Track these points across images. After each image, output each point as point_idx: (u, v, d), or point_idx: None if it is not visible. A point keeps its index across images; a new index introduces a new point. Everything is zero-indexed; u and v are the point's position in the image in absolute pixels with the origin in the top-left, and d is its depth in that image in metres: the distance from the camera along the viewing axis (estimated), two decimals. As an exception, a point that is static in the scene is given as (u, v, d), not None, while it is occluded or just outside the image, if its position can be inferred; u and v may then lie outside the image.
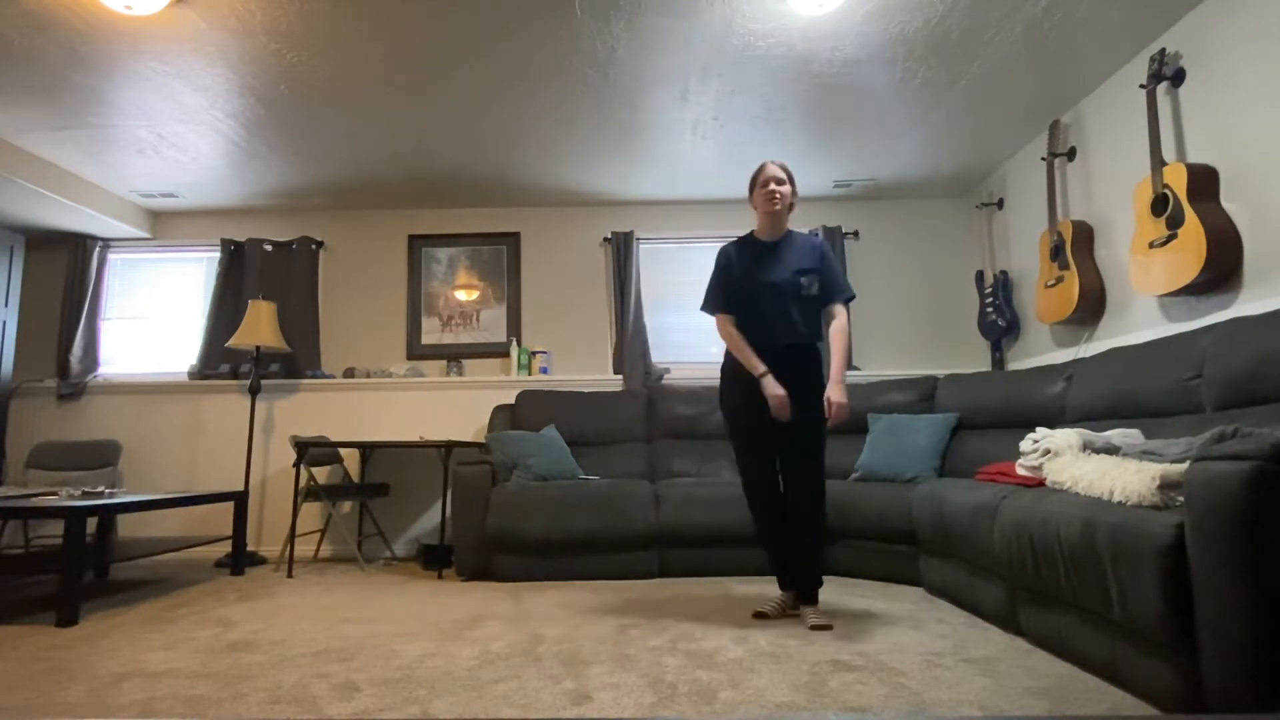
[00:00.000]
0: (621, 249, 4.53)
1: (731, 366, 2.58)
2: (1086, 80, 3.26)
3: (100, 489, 3.35)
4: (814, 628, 2.37)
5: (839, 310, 2.55)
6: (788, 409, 2.41)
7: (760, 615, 2.52)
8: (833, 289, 2.55)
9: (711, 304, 2.62)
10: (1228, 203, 2.59)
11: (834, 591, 2.96)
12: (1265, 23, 2.44)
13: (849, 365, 2.52)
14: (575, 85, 3.23)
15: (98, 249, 4.59)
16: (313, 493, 3.77)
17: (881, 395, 3.94)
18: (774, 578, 2.64)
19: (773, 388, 2.42)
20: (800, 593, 2.53)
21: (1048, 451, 2.32)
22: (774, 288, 2.50)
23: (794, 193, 2.58)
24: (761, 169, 2.57)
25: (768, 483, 2.54)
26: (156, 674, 2.00)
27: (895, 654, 2.07)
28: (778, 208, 2.53)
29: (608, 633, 2.37)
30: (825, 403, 2.45)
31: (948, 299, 4.59)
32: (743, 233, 2.69)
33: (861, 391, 4.01)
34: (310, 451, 3.92)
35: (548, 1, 2.65)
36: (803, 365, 2.51)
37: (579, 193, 4.51)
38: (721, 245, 2.68)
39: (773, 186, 2.52)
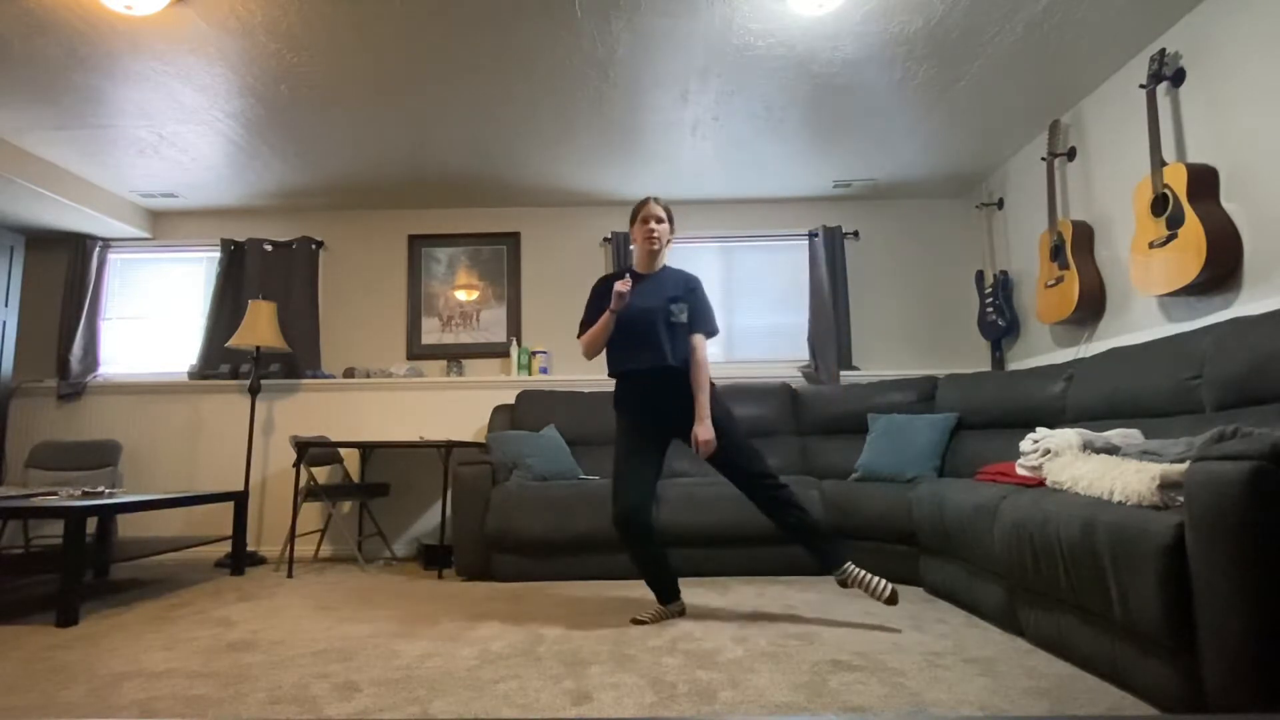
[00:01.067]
0: (621, 249, 4.53)
1: (616, 395, 2.67)
2: (1086, 80, 3.26)
3: (100, 489, 3.35)
4: (889, 599, 2.36)
5: (699, 342, 2.60)
6: (624, 296, 2.49)
7: (639, 621, 2.49)
8: (696, 320, 2.62)
9: (582, 327, 2.70)
10: (1228, 203, 2.59)
11: (834, 591, 2.96)
12: (1265, 23, 2.44)
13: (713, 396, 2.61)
14: (575, 85, 3.23)
15: (98, 249, 4.59)
16: (313, 493, 3.77)
17: (881, 395, 3.94)
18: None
19: (619, 285, 2.48)
20: (829, 563, 2.47)
21: (1048, 451, 2.32)
22: (647, 314, 2.58)
23: (671, 230, 2.70)
24: (644, 205, 2.67)
25: (636, 510, 2.49)
26: (156, 674, 2.00)
27: (895, 654, 2.07)
28: (655, 247, 2.65)
29: (608, 633, 2.37)
30: (692, 439, 2.50)
31: (948, 299, 4.59)
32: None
33: (861, 391, 4.01)
34: (310, 451, 3.92)
35: (548, 1, 2.65)
36: (684, 389, 2.56)
37: (579, 193, 4.51)
38: (599, 277, 2.75)
39: (652, 225, 2.64)
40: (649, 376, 2.57)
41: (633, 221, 2.70)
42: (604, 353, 2.67)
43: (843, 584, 2.47)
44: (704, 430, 2.49)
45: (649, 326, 2.56)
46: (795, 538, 2.50)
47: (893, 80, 3.22)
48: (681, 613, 2.60)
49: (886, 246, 4.65)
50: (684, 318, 2.59)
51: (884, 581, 2.40)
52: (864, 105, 3.45)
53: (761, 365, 4.54)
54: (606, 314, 2.56)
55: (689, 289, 2.65)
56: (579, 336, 2.70)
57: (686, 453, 4.05)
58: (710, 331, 2.65)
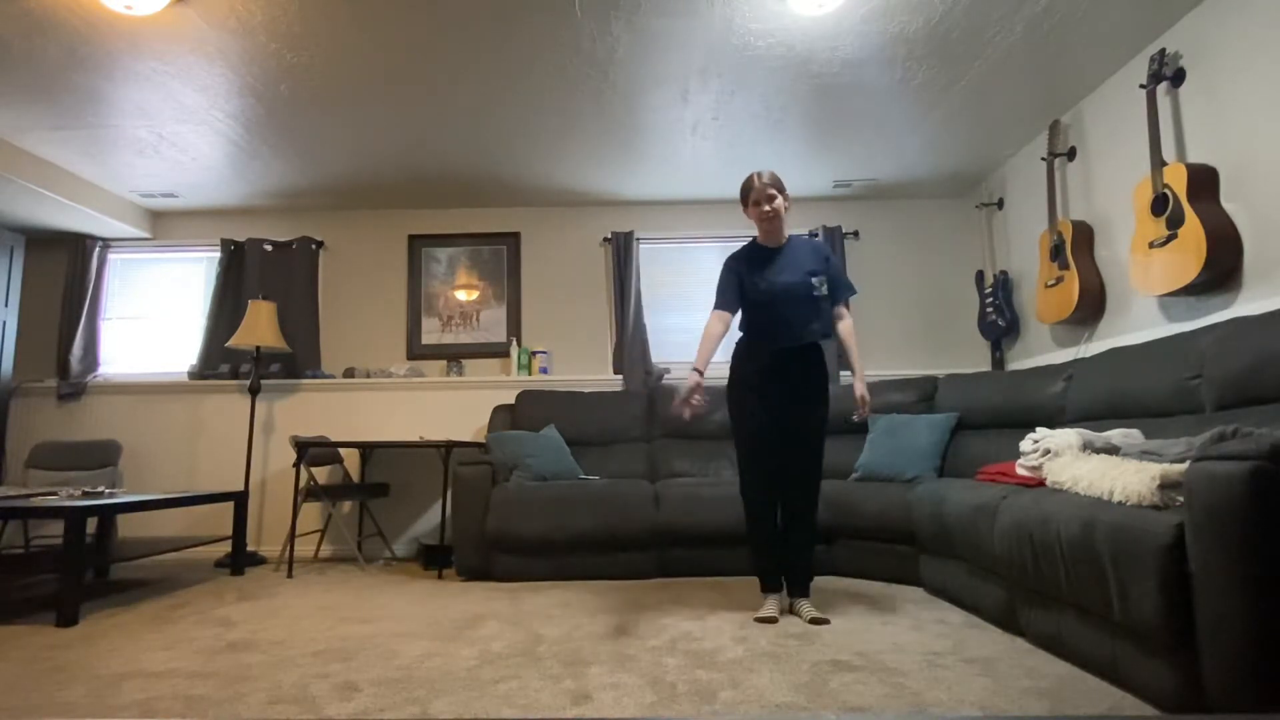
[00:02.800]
0: (621, 249, 4.53)
1: (736, 370, 2.68)
2: (1086, 80, 3.26)
3: (100, 489, 3.35)
4: (813, 621, 2.43)
5: (845, 311, 2.69)
6: (692, 411, 2.49)
7: (768, 620, 2.49)
8: (839, 289, 2.68)
9: (719, 301, 2.67)
10: (1228, 203, 2.59)
11: (834, 591, 2.96)
12: (1265, 23, 2.44)
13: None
14: (575, 85, 3.23)
15: (98, 249, 4.59)
16: (313, 493, 3.77)
17: (881, 395, 3.94)
18: (755, 578, 2.73)
19: (694, 388, 2.48)
20: (794, 588, 2.60)
21: (1048, 451, 2.32)
22: (789, 290, 2.59)
23: (786, 199, 2.64)
24: (750, 184, 2.62)
25: (767, 487, 2.60)
26: (156, 674, 2.00)
27: (895, 654, 2.07)
28: (773, 223, 2.62)
29: (608, 633, 2.37)
30: (859, 400, 2.58)
31: (948, 299, 4.59)
32: (742, 233, 2.72)
33: (861, 391, 4.01)
34: (310, 451, 3.92)
35: (548, 2, 2.65)
36: (813, 363, 2.62)
37: (579, 193, 4.51)
38: (730, 253, 2.75)
39: (764, 206, 2.60)
40: (793, 353, 2.59)
41: (745, 202, 2.65)
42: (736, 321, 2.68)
43: (789, 607, 2.59)
44: (863, 388, 2.57)
45: (794, 303, 2.57)
46: (790, 550, 2.58)
47: (893, 80, 3.22)
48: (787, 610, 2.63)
49: (886, 246, 4.65)
50: (825, 290, 2.60)
51: (822, 618, 2.46)
52: (864, 105, 3.45)
53: (761, 365, 4.53)
54: (694, 384, 2.48)
55: (824, 257, 2.65)
56: (715, 309, 2.64)
57: (686, 452, 4.05)
58: (851, 294, 2.71)
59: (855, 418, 2.64)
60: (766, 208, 2.59)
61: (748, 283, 2.64)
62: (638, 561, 3.35)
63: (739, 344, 2.71)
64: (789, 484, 2.58)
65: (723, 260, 2.75)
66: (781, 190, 2.62)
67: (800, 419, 2.58)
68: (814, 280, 2.59)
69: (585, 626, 2.45)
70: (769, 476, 2.58)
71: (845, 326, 2.67)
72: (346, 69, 3.07)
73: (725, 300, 2.64)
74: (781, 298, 2.58)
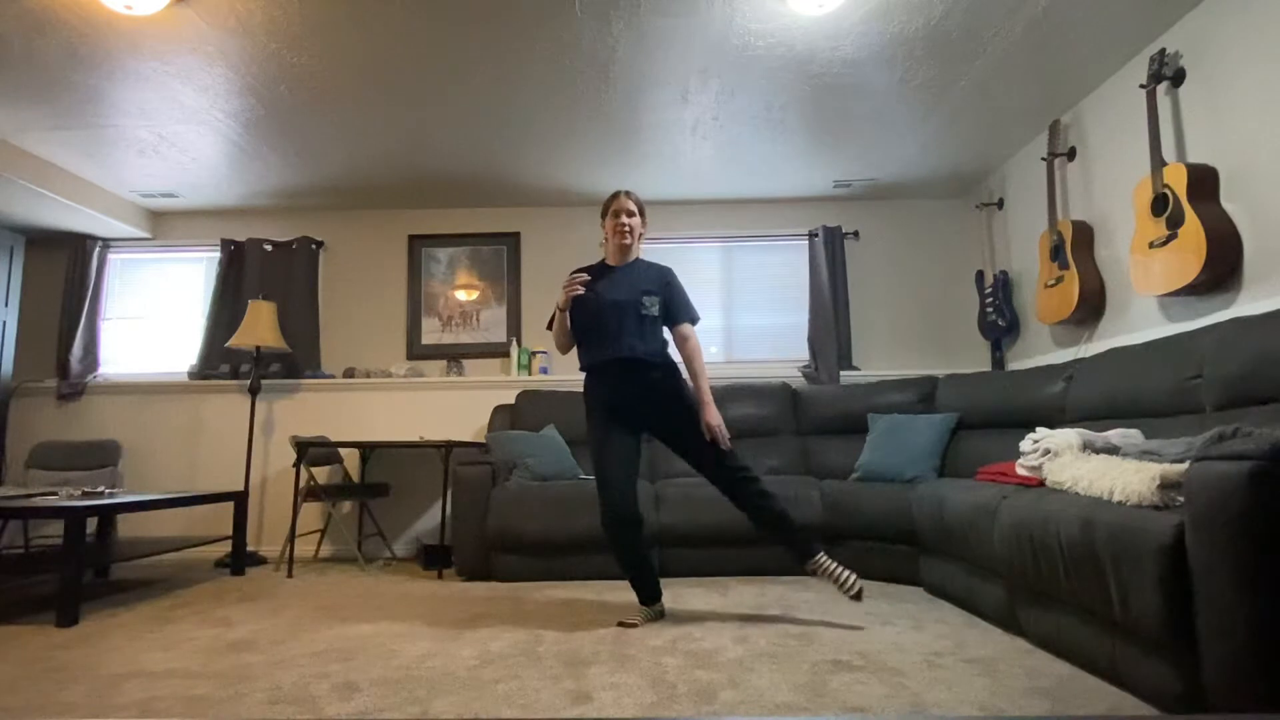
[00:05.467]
0: (621, 249, 4.52)
1: (588, 398, 2.63)
2: (1086, 80, 3.26)
3: (100, 489, 3.35)
4: (856, 594, 2.40)
5: (688, 330, 2.63)
6: (568, 296, 2.52)
7: (627, 625, 2.46)
8: (678, 311, 2.64)
9: (551, 321, 2.71)
10: (1228, 203, 2.59)
11: (833, 591, 2.96)
12: (1265, 23, 2.44)
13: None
14: (575, 85, 3.23)
15: (98, 249, 4.59)
16: (313, 493, 3.77)
17: (881, 395, 3.94)
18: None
19: (568, 284, 2.52)
20: (803, 554, 2.50)
21: (1048, 451, 2.32)
22: (617, 306, 2.57)
23: (643, 224, 2.69)
24: (615, 198, 2.66)
25: (625, 506, 2.47)
26: (156, 674, 2.00)
27: (895, 654, 2.07)
28: (626, 241, 2.64)
29: (608, 633, 2.37)
30: (705, 428, 2.50)
31: (948, 299, 4.59)
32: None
33: (861, 391, 4.01)
34: (310, 451, 3.92)
35: (548, 2, 2.65)
36: (657, 380, 2.57)
37: (579, 193, 4.51)
38: (575, 268, 2.72)
39: (623, 218, 2.64)
40: (617, 368, 2.56)
41: (604, 215, 2.69)
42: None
43: (813, 572, 2.50)
44: (711, 414, 2.50)
45: (618, 319, 2.56)
46: (769, 527, 2.52)
47: (893, 80, 3.22)
48: (661, 615, 2.58)
49: (886, 246, 4.65)
50: (655, 310, 2.59)
51: (853, 577, 2.43)
52: (864, 105, 3.45)
53: (761, 365, 4.53)
54: (558, 311, 2.59)
55: (663, 282, 2.65)
56: (547, 328, 2.70)
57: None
58: (693, 319, 2.66)
59: (724, 446, 2.51)
60: (624, 219, 2.62)
61: (580, 299, 2.59)
62: (638, 561, 3.35)
63: (585, 375, 2.66)
64: (720, 484, 2.54)
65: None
66: (641, 212, 2.67)
67: (670, 426, 2.56)
68: (645, 299, 2.57)
69: (585, 626, 2.45)
70: (621, 495, 2.47)
71: (689, 347, 2.59)
72: (346, 69, 3.07)
73: (550, 319, 2.70)
74: (609, 312, 2.56)
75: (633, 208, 2.64)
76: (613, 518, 2.46)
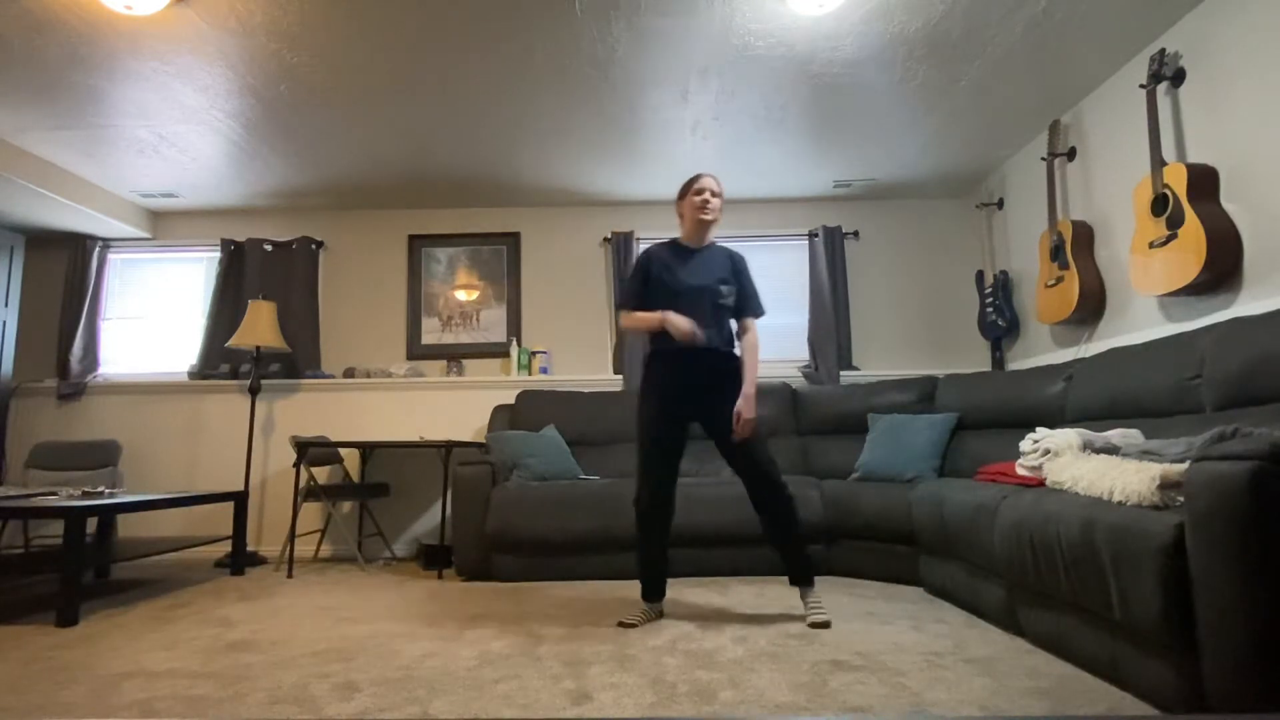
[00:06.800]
0: (621, 249, 4.53)
1: (647, 378, 2.59)
2: (1086, 80, 3.26)
3: (100, 489, 3.35)
4: (814, 625, 2.39)
5: (751, 325, 2.61)
6: (697, 333, 2.43)
7: (627, 625, 2.46)
8: (747, 303, 2.62)
9: (626, 300, 2.63)
10: (1228, 203, 2.59)
11: (834, 591, 2.96)
12: (1265, 23, 2.44)
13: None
14: (575, 85, 3.23)
15: (98, 249, 4.59)
16: (313, 493, 3.77)
17: (881, 395, 3.94)
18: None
19: (675, 319, 2.43)
20: (795, 578, 2.55)
21: (1048, 451, 2.32)
22: (695, 291, 2.55)
23: (720, 208, 2.65)
24: (698, 178, 2.61)
25: (663, 495, 2.51)
26: (156, 674, 2.00)
27: (895, 654, 2.07)
28: (709, 218, 2.59)
29: (608, 633, 2.37)
30: (734, 416, 2.47)
31: (948, 299, 4.59)
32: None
33: (861, 391, 4.01)
34: (310, 451, 3.92)
35: (547, 1, 2.65)
36: (722, 369, 2.55)
37: (579, 193, 4.51)
38: (645, 247, 2.68)
39: (708, 197, 2.57)
40: (690, 357, 2.53)
41: (684, 195, 2.63)
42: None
43: (801, 594, 2.56)
44: (748, 408, 2.46)
45: (694, 306, 2.53)
46: (778, 536, 2.52)
47: (892, 80, 3.22)
48: (660, 615, 2.59)
49: (886, 246, 4.65)
50: (730, 300, 2.57)
51: (825, 616, 2.42)
52: (864, 105, 3.45)
53: (761, 365, 4.52)
54: (659, 317, 2.47)
55: (736, 270, 2.62)
56: (620, 307, 2.65)
57: (686, 452, 4.04)
58: (758, 312, 2.64)
59: (734, 437, 2.48)
60: (708, 197, 2.57)
61: (656, 276, 2.58)
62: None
63: (647, 353, 2.63)
64: (748, 483, 2.52)
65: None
66: (721, 198, 2.64)
67: (722, 415, 2.50)
68: (722, 288, 2.56)
69: (585, 626, 2.45)
70: (660, 484, 2.51)
71: (750, 340, 2.58)
72: (346, 69, 3.07)
73: (631, 302, 2.62)
74: (686, 298, 2.53)
75: (718, 188, 2.60)
76: (649, 503, 2.50)
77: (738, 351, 2.61)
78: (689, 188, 2.62)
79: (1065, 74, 3.20)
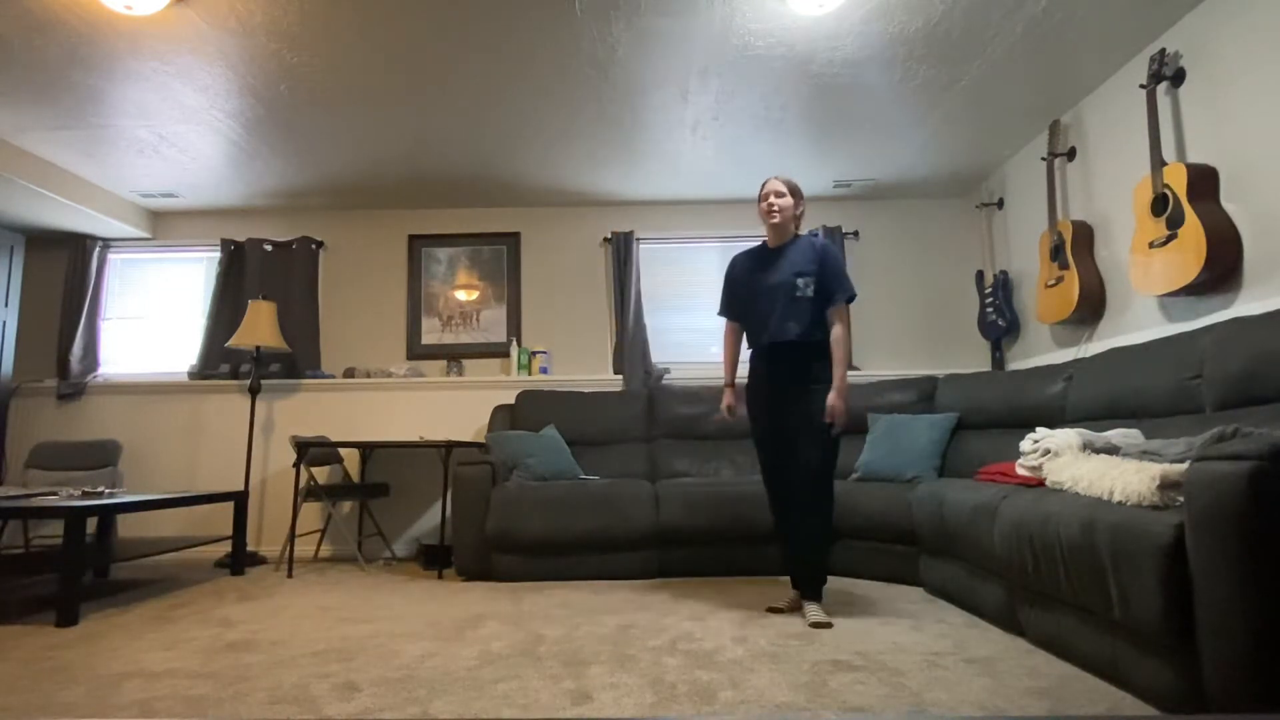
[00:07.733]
0: (621, 249, 4.53)
1: (749, 373, 2.76)
2: (1086, 80, 3.26)
3: (100, 489, 3.35)
4: (813, 625, 2.41)
5: (836, 315, 2.61)
6: (731, 416, 2.78)
7: (774, 610, 2.60)
8: (833, 290, 2.62)
9: (721, 311, 2.88)
10: (1228, 203, 2.59)
11: (834, 591, 2.96)
12: (1265, 22, 2.44)
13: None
14: (575, 85, 3.23)
15: (98, 249, 4.59)
16: (313, 493, 3.77)
17: (881, 395, 3.94)
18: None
19: (725, 399, 2.79)
20: (798, 586, 2.60)
21: (1048, 451, 2.32)
22: (770, 290, 2.65)
23: (798, 202, 2.71)
24: (764, 183, 2.73)
25: (777, 472, 2.66)
26: (156, 674, 2.00)
27: (895, 654, 2.07)
28: (776, 220, 2.68)
29: (608, 633, 2.37)
30: (828, 407, 2.52)
31: (948, 299, 4.59)
32: (742, 233, 2.74)
33: (861, 391, 4.00)
34: (310, 451, 3.92)
35: (548, 2, 2.65)
36: (800, 363, 2.60)
37: (579, 193, 4.51)
38: (732, 258, 2.87)
39: (771, 200, 2.68)
40: (771, 353, 2.64)
41: (759, 202, 2.74)
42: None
43: (792, 608, 2.60)
44: (833, 397, 2.49)
45: (770, 303, 2.63)
46: (796, 545, 2.57)
47: (893, 80, 3.22)
48: (798, 608, 2.63)
49: (886, 246, 4.65)
50: (810, 291, 2.60)
51: (825, 620, 2.42)
52: (864, 105, 3.45)
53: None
54: (728, 366, 2.82)
55: (819, 260, 2.64)
56: (720, 314, 2.87)
57: (686, 452, 4.05)
58: (849, 295, 2.63)
59: (834, 431, 2.53)
60: (771, 200, 2.67)
61: (738, 281, 2.78)
62: (637, 561, 3.35)
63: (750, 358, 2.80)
64: (792, 482, 2.58)
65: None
66: (793, 193, 2.69)
67: (786, 417, 2.60)
68: (799, 281, 2.60)
69: (585, 626, 2.45)
70: (771, 473, 2.68)
71: (835, 333, 2.58)
72: (346, 69, 3.07)
73: (722, 310, 2.86)
74: (764, 297, 2.65)
75: (781, 188, 2.67)
76: (770, 500, 2.72)
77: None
78: (759, 194, 2.73)
79: (1065, 74, 3.20)
